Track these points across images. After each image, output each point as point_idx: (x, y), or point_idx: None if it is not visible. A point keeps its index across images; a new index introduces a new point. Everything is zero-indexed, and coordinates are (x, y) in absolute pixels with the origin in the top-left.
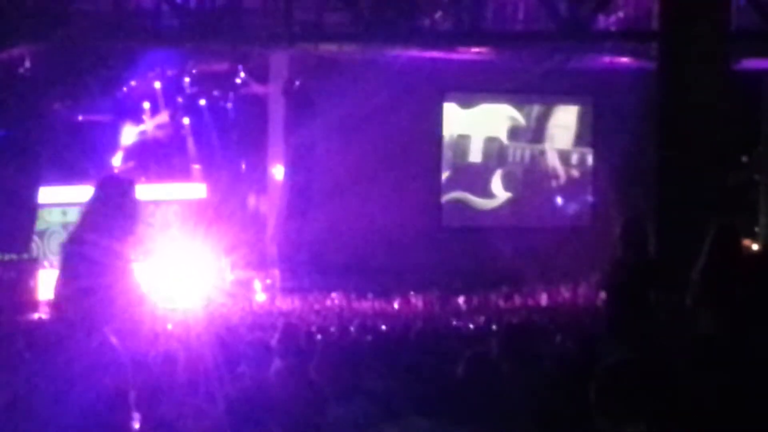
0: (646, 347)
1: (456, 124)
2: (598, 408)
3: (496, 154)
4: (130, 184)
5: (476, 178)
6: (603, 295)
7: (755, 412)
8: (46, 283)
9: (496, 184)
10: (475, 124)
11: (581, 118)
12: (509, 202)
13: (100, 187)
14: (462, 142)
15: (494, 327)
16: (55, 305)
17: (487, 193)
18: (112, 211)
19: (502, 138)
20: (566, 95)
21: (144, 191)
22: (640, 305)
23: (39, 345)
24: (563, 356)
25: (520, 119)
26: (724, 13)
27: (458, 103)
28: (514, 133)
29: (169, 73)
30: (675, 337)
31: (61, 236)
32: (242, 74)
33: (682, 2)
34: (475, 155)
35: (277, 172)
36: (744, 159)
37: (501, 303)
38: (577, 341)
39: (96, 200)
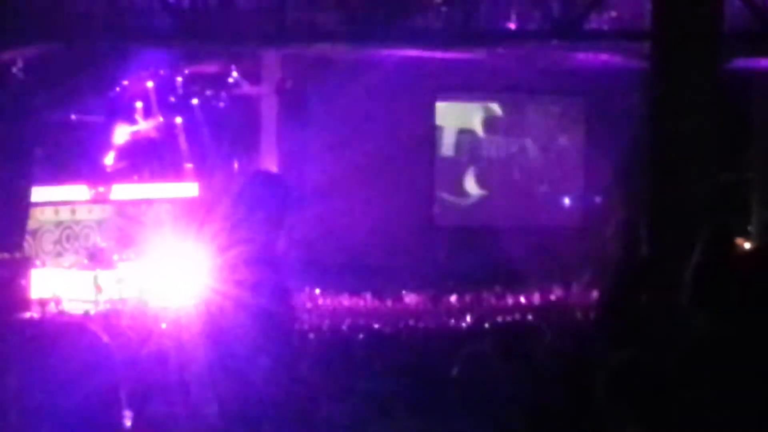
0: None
1: (449, 122)
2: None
3: (485, 152)
4: (279, 179)
5: (466, 176)
6: (595, 294)
7: (752, 411)
8: (38, 282)
9: (486, 181)
10: (468, 123)
11: (573, 118)
12: (501, 201)
13: (250, 184)
14: (456, 139)
15: (487, 326)
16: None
17: (478, 191)
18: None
19: (493, 136)
20: (558, 95)
21: (136, 190)
22: (632, 305)
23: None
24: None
25: (511, 118)
26: (716, 12)
27: (451, 102)
28: (506, 132)
29: (162, 72)
30: (669, 337)
31: (54, 235)
32: (234, 74)
33: (675, 2)
34: (466, 152)
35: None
36: (736, 158)
37: (493, 302)
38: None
39: (244, 197)
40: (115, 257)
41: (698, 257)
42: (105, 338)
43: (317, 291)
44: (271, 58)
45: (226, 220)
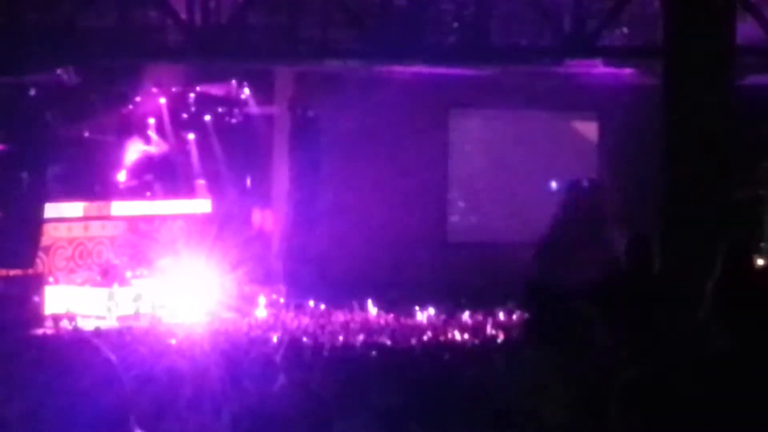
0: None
1: (462, 138)
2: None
3: (500, 169)
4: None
5: (480, 193)
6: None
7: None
8: (51, 298)
9: (500, 198)
10: (481, 139)
11: (585, 134)
12: (515, 217)
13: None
14: (469, 155)
15: (499, 341)
16: None
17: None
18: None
19: (508, 152)
20: (570, 110)
21: (148, 206)
22: (645, 321)
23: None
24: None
25: (524, 134)
26: (728, 28)
27: (464, 118)
28: (519, 148)
29: (174, 90)
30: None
31: (67, 251)
32: (247, 91)
33: (687, 18)
34: (481, 170)
35: (282, 187)
36: (749, 174)
37: (506, 318)
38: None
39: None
40: (128, 273)
41: (719, 273)
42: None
43: (330, 307)
44: (283, 75)
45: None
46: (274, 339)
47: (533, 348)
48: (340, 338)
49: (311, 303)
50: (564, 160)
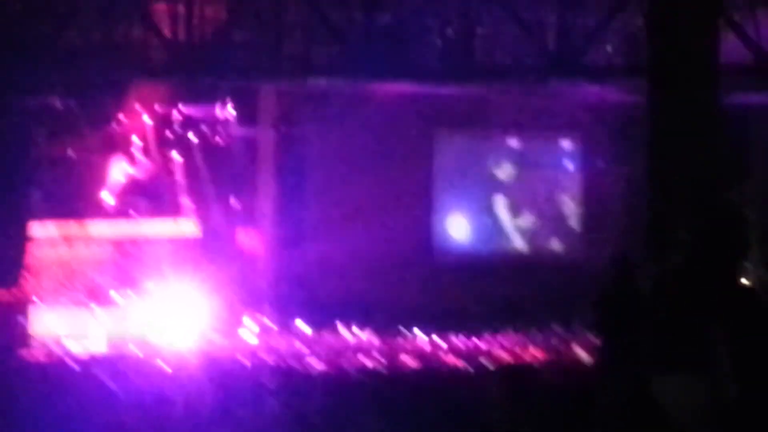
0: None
1: (447, 157)
2: None
3: (485, 188)
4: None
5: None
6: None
7: None
8: (36, 319)
9: (485, 217)
10: (466, 158)
11: (570, 152)
12: (500, 236)
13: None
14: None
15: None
16: None
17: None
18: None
19: (492, 172)
20: (555, 129)
21: (134, 227)
22: (632, 340)
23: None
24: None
25: (511, 153)
26: (712, 47)
27: (449, 137)
28: (504, 166)
29: (158, 108)
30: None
31: (52, 272)
32: (230, 109)
33: (671, 37)
34: (465, 188)
35: (268, 206)
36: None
37: (495, 341)
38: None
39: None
40: (114, 294)
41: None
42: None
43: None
44: (267, 93)
45: None
46: (263, 362)
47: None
48: (329, 361)
49: (299, 323)
50: (549, 178)
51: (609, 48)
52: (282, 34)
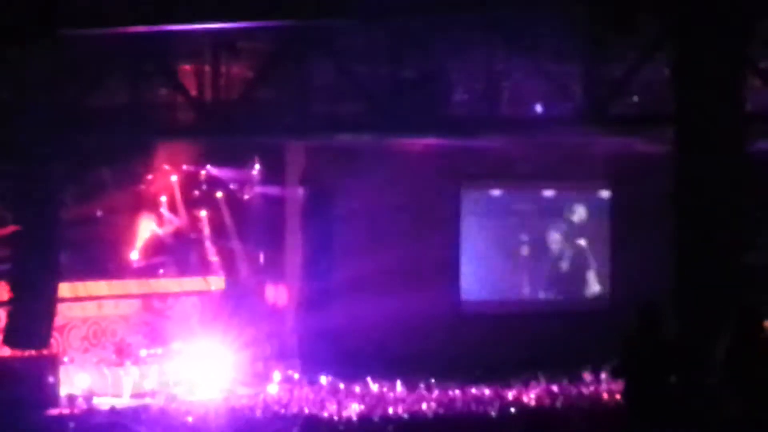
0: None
1: (474, 210)
2: None
3: (512, 238)
4: None
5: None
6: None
7: None
8: (66, 378)
9: (513, 268)
10: (494, 210)
11: (598, 203)
12: (528, 287)
13: None
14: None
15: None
16: None
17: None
18: None
19: (519, 223)
20: (583, 180)
21: (162, 284)
22: (660, 388)
23: None
24: None
25: (537, 205)
26: (738, 95)
27: (476, 189)
28: (532, 218)
29: (186, 167)
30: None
31: (81, 331)
32: (258, 167)
33: (698, 86)
34: (492, 239)
35: (296, 261)
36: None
37: (521, 390)
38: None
39: None
40: (143, 352)
41: (728, 339)
42: None
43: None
44: (295, 150)
45: None
46: (291, 414)
47: None
48: (358, 411)
49: (326, 379)
50: (578, 229)
51: (635, 98)
52: (308, 91)
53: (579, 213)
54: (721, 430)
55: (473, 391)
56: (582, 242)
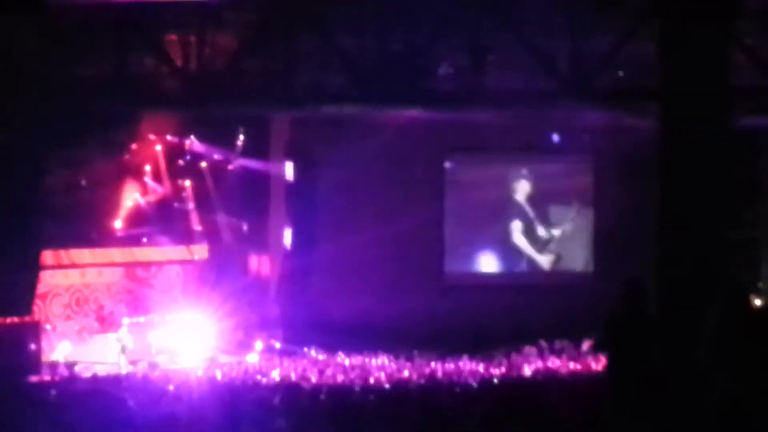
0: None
1: (459, 182)
2: None
3: (496, 211)
4: None
5: (477, 236)
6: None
7: None
8: (48, 345)
9: (496, 240)
10: (478, 183)
11: (582, 176)
12: (510, 259)
13: None
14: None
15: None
16: None
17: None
18: None
19: (504, 196)
20: (567, 153)
21: (146, 253)
22: (646, 364)
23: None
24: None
25: (520, 177)
26: (723, 70)
27: (460, 162)
28: (515, 191)
29: (171, 136)
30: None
31: (64, 299)
32: (242, 137)
33: (682, 61)
34: (477, 212)
35: (279, 232)
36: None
37: (504, 361)
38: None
39: None
40: (125, 320)
41: (716, 314)
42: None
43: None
44: (280, 122)
45: None
46: (272, 383)
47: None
48: (339, 382)
49: (307, 349)
50: (560, 202)
51: (620, 73)
52: (294, 63)
53: (563, 186)
54: (710, 404)
55: (456, 362)
56: (564, 216)
